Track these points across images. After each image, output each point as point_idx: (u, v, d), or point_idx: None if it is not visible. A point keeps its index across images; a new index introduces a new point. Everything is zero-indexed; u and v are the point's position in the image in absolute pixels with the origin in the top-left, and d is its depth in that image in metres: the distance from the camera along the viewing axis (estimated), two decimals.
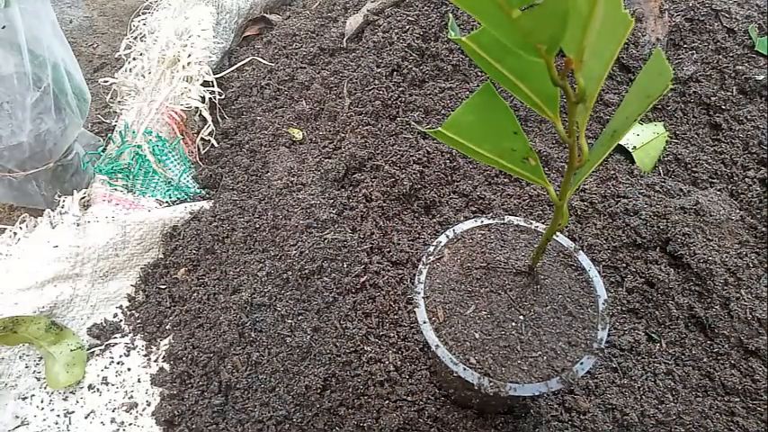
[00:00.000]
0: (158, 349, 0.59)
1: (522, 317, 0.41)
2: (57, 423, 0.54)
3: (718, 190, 0.65)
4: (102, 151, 0.69)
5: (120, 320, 0.62)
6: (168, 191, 0.70)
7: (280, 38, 0.87)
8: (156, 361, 0.58)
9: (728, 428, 0.50)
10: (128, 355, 0.59)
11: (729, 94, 0.72)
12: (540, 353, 0.39)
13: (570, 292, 0.42)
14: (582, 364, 0.39)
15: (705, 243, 0.58)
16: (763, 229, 0.61)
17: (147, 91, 0.73)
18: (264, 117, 0.77)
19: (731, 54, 0.74)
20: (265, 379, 0.53)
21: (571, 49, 0.23)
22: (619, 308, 0.57)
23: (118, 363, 0.58)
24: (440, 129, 0.33)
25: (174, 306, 0.62)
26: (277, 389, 0.53)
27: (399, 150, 0.68)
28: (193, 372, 0.55)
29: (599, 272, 0.50)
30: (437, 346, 0.40)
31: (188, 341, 0.57)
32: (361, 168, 0.68)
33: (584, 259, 0.44)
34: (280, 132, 0.75)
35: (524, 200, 0.64)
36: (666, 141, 0.70)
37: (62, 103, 0.63)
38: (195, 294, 0.61)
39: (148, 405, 0.56)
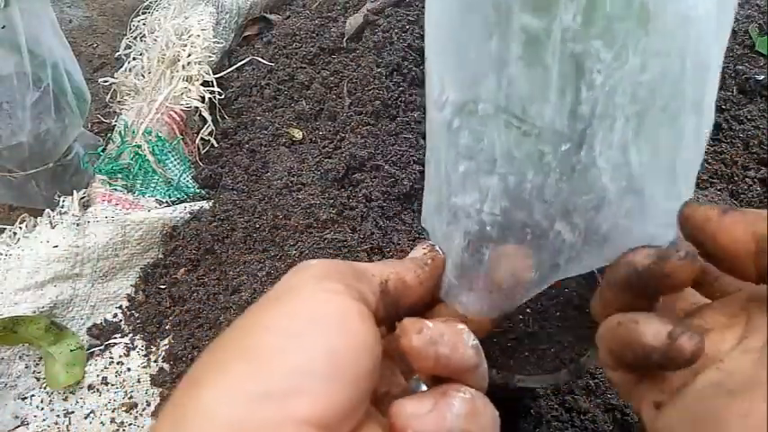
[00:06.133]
0: (158, 349, 0.59)
1: (528, 310, 0.41)
2: (57, 423, 0.54)
3: (719, 190, 0.65)
4: (102, 151, 0.69)
5: (120, 320, 0.62)
6: (168, 191, 0.70)
7: (280, 38, 0.87)
8: (156, 361, 0.58)
9: None
10: (128, 356, 0.59)
11: (729, 94, 0.72)
12: (547, 345, 0.39)
13: (576, 286, 0.42)
14: (589, 356, 0.39)
15: None
16: None
17: (146, 91, 0.73)
18: (264, 117, 0.77)
19: (731, 54, 0.74)
20: None
21: None
22: None
23: (118, 363, 0.58)
24: None
25: (174, 306, 0.62)
26: None
27: (399, 150, 0.68)
28: None
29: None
30: None
31: (188, 341, 0.57)
32: (361, 168, 0.68)
33: None
34: (280, 132, 0.75)
35: None
36: None
37: (62, 103, 0.63)
38: (195, 294, 0.61)
39: (148, 405, 0.56)
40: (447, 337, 0.22)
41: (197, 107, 0.74)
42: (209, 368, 0.21)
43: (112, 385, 0.57)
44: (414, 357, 0.21)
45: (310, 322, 0.20)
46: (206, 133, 0.75)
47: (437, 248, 0.28)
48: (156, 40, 0.77)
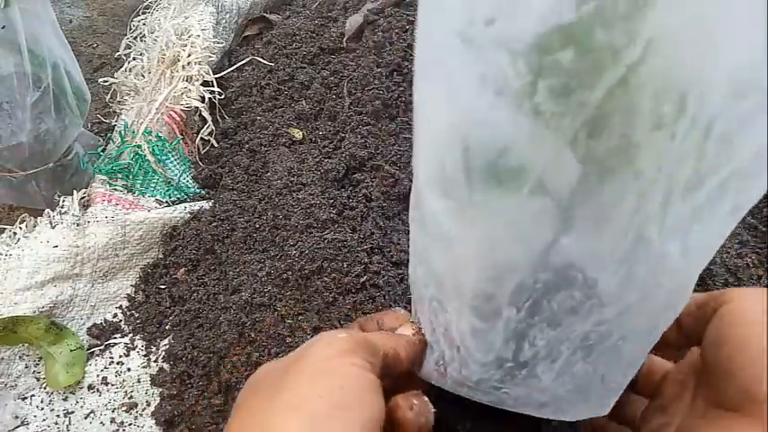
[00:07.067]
0: (158, 349, 0.59)
1: None
2: (56, 423, 0.55)
3: None
4: (102, 151, 0.69)
5: (120, 320, 0.62)
6: (168, 191, 0.70)
7: (280, 38, 0.87)
8: (155, 361, 0.58)
9: None
10: (128, 356, 0.59)
11: None
12: None
13: None
14: None
15: None
16: (763, 229, 0.61)
17: (146, 91, 0.73)
18: (264, 117, 0.77)
19: None
20: None
21: None
22: None
23: (118, 363, 0.58)
24: None
25: (174, 306, 0.62)
26: None
27: (399, 150, 0.68)
28: (193, 372, 0.55)
29: None
30: None
31: (188, 341, 0.57)
32: (361, 168, 0.68)
33: None
34: (280, 132, 0.75)
35: None
36: None
37: (62, 103, 0.63)
38: (195, 294, 0.61)
39: (148, 405, 0.56)
40: (422, 410, 0.31)
41: (197, 107, 0.74)
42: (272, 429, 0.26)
43: (112, 385, 0.57)
44: (407, 425, 0.30)
45: (355, 396, 0.27)
46: (206, 133, 0.75)
47: (422, 331, 0.36)
48: (156, 40, 0.78)
